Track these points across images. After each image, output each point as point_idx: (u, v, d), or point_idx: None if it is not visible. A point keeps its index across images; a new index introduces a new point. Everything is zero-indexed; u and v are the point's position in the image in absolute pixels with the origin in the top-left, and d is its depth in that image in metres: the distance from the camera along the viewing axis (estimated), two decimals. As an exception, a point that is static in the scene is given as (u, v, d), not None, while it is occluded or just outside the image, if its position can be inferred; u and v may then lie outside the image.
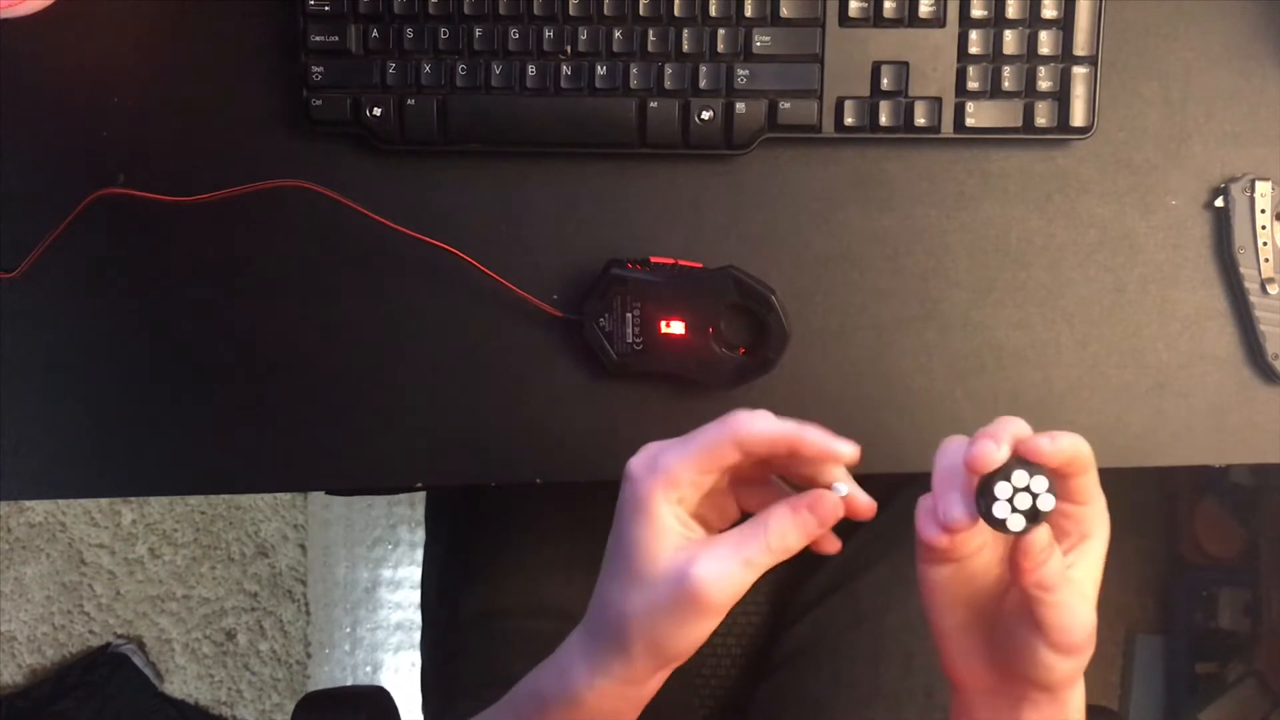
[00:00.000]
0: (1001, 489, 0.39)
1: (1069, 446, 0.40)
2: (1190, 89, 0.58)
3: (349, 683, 1.38)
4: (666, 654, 0.42)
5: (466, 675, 0.71)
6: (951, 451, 0.42)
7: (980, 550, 0.44)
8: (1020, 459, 0.40)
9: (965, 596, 0.45)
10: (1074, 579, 0.42)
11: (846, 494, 0.43)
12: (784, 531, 0.41)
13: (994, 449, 0.39)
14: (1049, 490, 0.39)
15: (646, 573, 0.41)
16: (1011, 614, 0.43)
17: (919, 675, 0.67)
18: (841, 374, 0.59)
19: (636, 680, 0.43)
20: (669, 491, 0.41)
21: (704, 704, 0.75)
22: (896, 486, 0.61)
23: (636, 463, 0.42)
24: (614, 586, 0.42)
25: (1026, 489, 0.39)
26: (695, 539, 0.42)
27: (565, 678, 0.44)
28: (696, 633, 0.41)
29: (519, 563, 0.72)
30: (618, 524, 0.43)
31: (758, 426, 0.41)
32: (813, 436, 0.42)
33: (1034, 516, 0.39)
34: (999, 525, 0.40)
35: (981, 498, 0.40)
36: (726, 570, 0.40)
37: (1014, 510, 0.39)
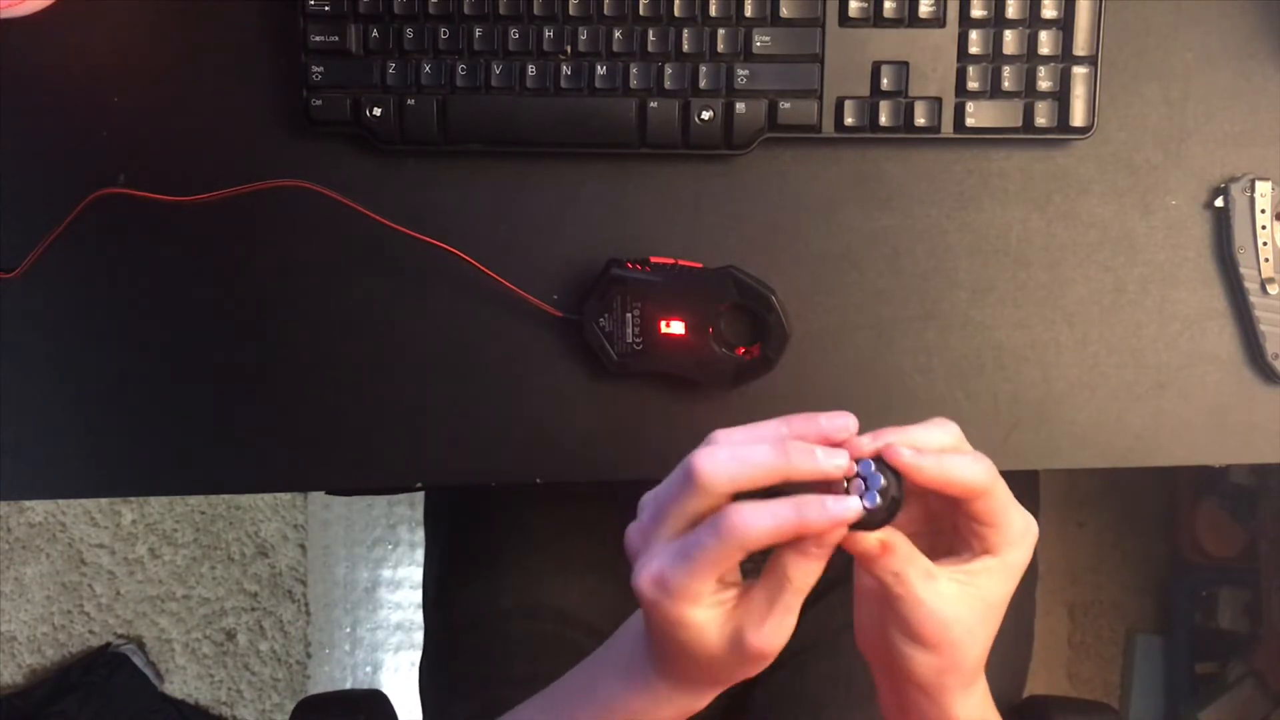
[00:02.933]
0: (853, 485, 0.40)
1: (935, 469, 0.39)
2: (1190, 89, 0.58)
3: (349, 683, 1.38)
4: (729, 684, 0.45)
5: (465, 676, 0.71)
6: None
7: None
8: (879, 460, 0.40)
9: (877, 592, 0.44)
10: (937, 578, 0.41)
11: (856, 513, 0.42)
12: (805, 573, 0.41)
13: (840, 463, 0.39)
14: (892, 493, 0.39)
15: (705, 657, 0.42)
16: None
17: None
18: (841, 374, 0.59)
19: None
20: (696, 605, 0.41)
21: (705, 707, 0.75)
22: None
23: (644, 585, 0.41)
24: (677, 677, 0.45)
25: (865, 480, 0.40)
26: (733, 604, 0.42)
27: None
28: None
29: (517, 563, 0.72)
30: (658, 638, 0.43)
31: (757, 526, 0.39)
32: (814, 516, 0.39)
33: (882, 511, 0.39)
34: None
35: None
36: (777, 626, 0.42)
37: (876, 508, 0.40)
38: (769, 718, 0.71)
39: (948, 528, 0.44)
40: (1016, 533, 0.42)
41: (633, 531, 0.42)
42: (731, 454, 0.39)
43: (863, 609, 0.45)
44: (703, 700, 0.46)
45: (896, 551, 0.40)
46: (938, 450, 0.41)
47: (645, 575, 0.41)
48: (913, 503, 0.44)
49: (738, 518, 0.38)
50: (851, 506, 0.39)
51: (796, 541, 0.40)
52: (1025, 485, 0.77)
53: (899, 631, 0.42)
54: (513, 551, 0.72)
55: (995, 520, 0.42)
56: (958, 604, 0.41)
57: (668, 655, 0.44)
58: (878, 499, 0.39)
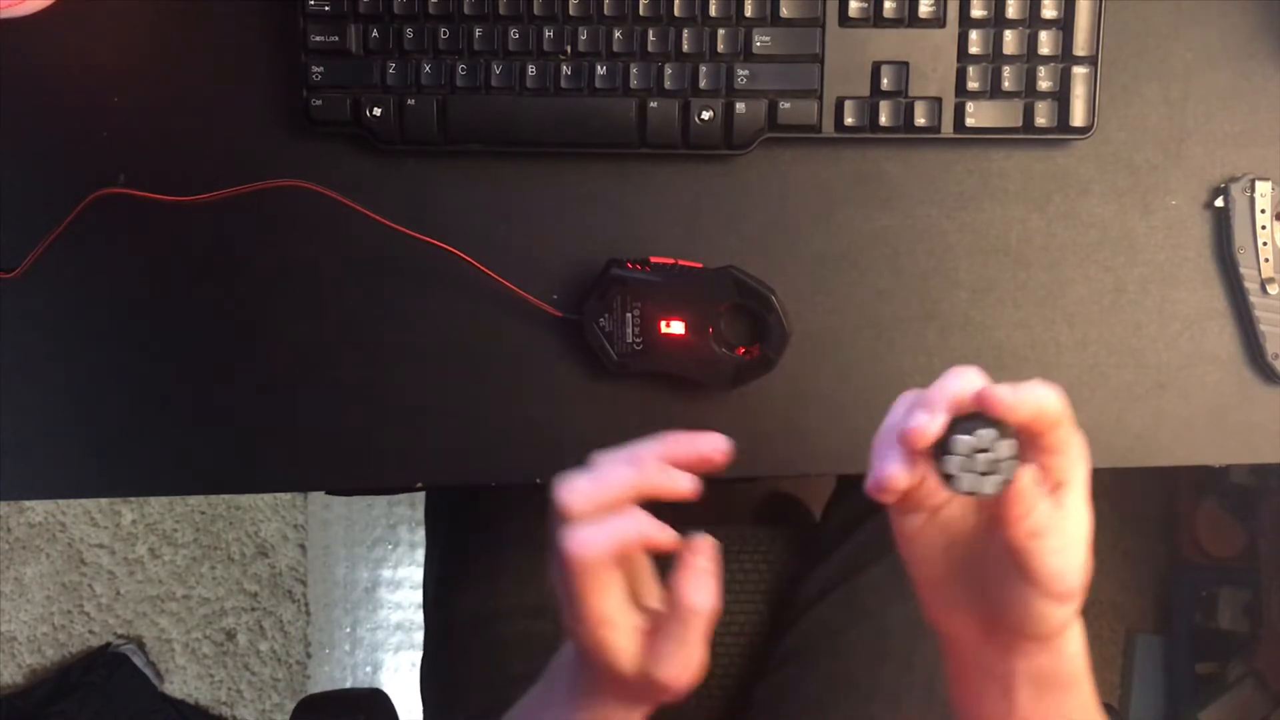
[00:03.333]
0: (954, 453, 0.38)
1: (1032, 402, 0.38)
2: (1190, 89, 0.58)
3: (349, 683, 1.38)
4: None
5: (465, 676, 0.71)
6: (900, 409, 0.42)
7: (951, 500, 0.44)
8: (980, 416, 0.39)
9: (943, 546, 0.44)
10: (1062, 525, 0.40)
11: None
12: (701, 593, 0.41)
13: (928, 424, 0.38)
14: (1011, 453, 0.38)
15: (621, 683, 0.43)
16: (996, 564, 0.43)
17: (919, 672, 0.67)
18: (841, 374, 0.59)
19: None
20: (609, 629, 0.42)
21: (703, 705, 0.75)
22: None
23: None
24: (610, 692, 0.45)
25: (986, 450, 0.38)
26: (647, 631, 0.43)
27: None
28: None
29: (517, 564, 0.72)
30: (581, 657, 0.44)
31: (593, 547, 0.40)
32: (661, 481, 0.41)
33: (995, 473, 0.38)
34: (955, 487, 0.39)
35: (938, 458, 0.39)
36: (684, 660, 0.42)
37: (972, 471, 0.38)
38: (770, 717, 0.71)
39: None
40: (1078, 451, 0.41)
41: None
42: (590, 481, 0.41)
43: (942, 592, 0.45)
44: (639, 714, 0.46)
45: (1032, 493, 0.39)
46: (1021, 384, 0.40)
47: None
48: None
49: (575, 537, 0.41)
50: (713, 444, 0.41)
51: (682, 565, 0.41)
52: None
53: (1038, 593, 0.41)
54: (512, 552, 0.72)
55: (1065, 446, 0.40)
56: (1077, 549, 0.41)
57: (594, 672, 0.44)
58: (990, 459, 0.38)
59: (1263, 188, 0.58)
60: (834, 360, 0.59)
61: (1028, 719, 0.44)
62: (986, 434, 0.38)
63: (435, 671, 0.74)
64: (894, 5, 0.55)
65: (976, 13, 0.55)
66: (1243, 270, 0.58)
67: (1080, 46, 0.56)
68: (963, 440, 0.38)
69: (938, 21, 0.55)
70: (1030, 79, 0.56)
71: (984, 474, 0.39)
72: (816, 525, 0.81)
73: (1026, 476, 0.39)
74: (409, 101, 0.55)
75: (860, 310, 0.59)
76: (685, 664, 0.42)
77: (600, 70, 0.55)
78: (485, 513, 0.73)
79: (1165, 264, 0.59)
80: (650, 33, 0.55)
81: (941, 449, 0.39)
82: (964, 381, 0.40)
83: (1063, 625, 0.43)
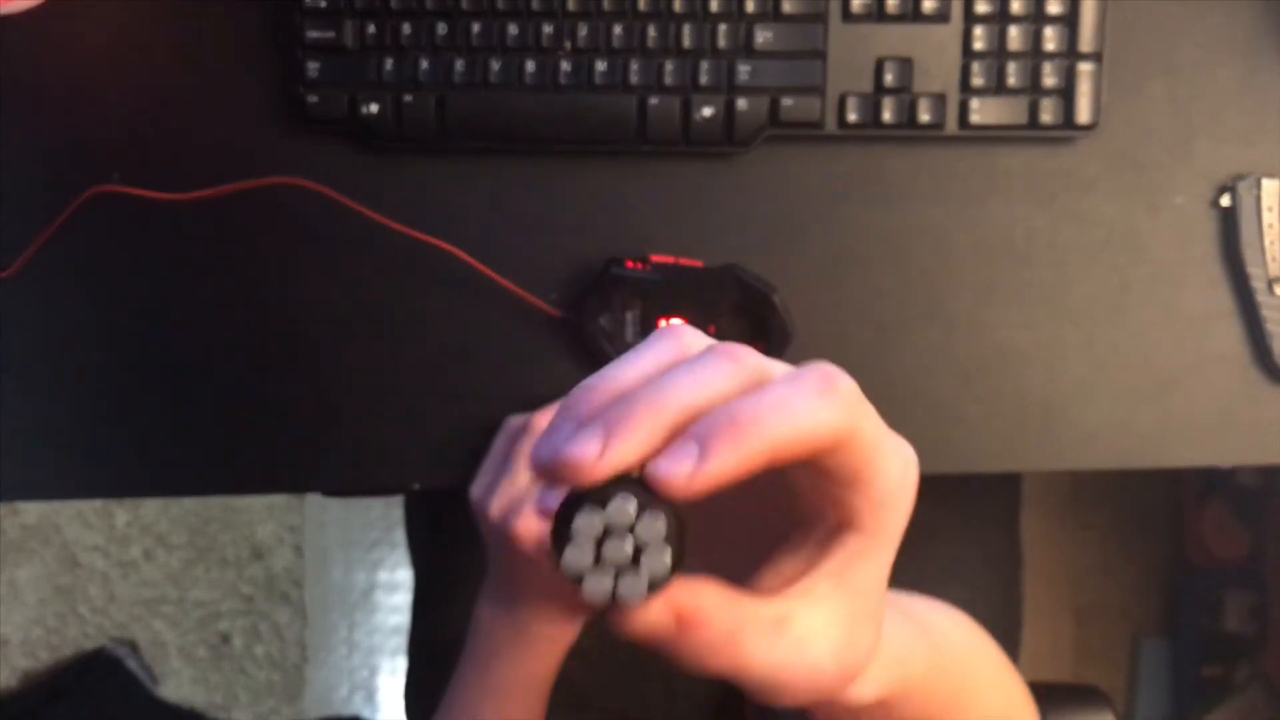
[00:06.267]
0: (573, 540, 0.24)
1: (750, 442, 0.23)
2: (1196, 86, 0.58)
3: (345, 687, 1.37)
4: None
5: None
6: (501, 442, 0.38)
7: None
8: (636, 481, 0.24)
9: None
10: (789, 622, 0.26)
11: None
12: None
13: (590, 462, 0.23)
14: (660, 534, 0.23)
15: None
16: None
17: None
18: (844, 374, 0.58)
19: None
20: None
21: (692, 709, 0.74)
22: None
23: (492, 527, 0.44)
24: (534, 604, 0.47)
25: (619, 533, 0.23)
26: None
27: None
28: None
29: None
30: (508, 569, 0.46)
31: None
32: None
33: (636, 574, 0.24)
34: (583, 593, 0.24)
35: (556, 540, 0.24)
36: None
37: (603, 568, 0.24)
38: (765, 718, 0.70)
39: (777, 495, 0.29)
40: (892, 483, 0.26)
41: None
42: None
43: None
44: (567, 627, 0.47)
45: (708, 619, 0.24)
46: (730, 413, 0.24)
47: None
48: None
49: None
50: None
51: None
52: (1005, 486, 0.76)
53: (762, 701, 0.27)
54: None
55: (861, 474, 0.26)
56: (823, 636, 0.26)
57: (521, 593, 0.44)
58: (628, 549, 0.24)
59: (1269, 186, 0.57)
60: (836, 360, 0.57)
61: None
62: (622, 508, 0.23)
63: (419, 693, 0.73)
64: (897, 0, 0.54)
65: (981, 8, 0.55)
66: (1249, 269, 0.58)
67: (1085, 43, 0.55)
68: (583, 522, 0.24)
69: (942, 17, 0.55)
70: (1035, 75, 0.55)
71: (623, 573, 0.24)
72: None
73: (657, 614, 0.24)
74: (406, 98, 0.55)
75: (863, 309, 0.58)
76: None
77: (600, 66, 0.55)
78: (464, 533, 0.73)
79: (1171, 263, 0.58)
80: (650, 28, 0.54)
81: (560, 529, 0.24)
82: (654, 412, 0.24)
83: (825, 701, 0.29)
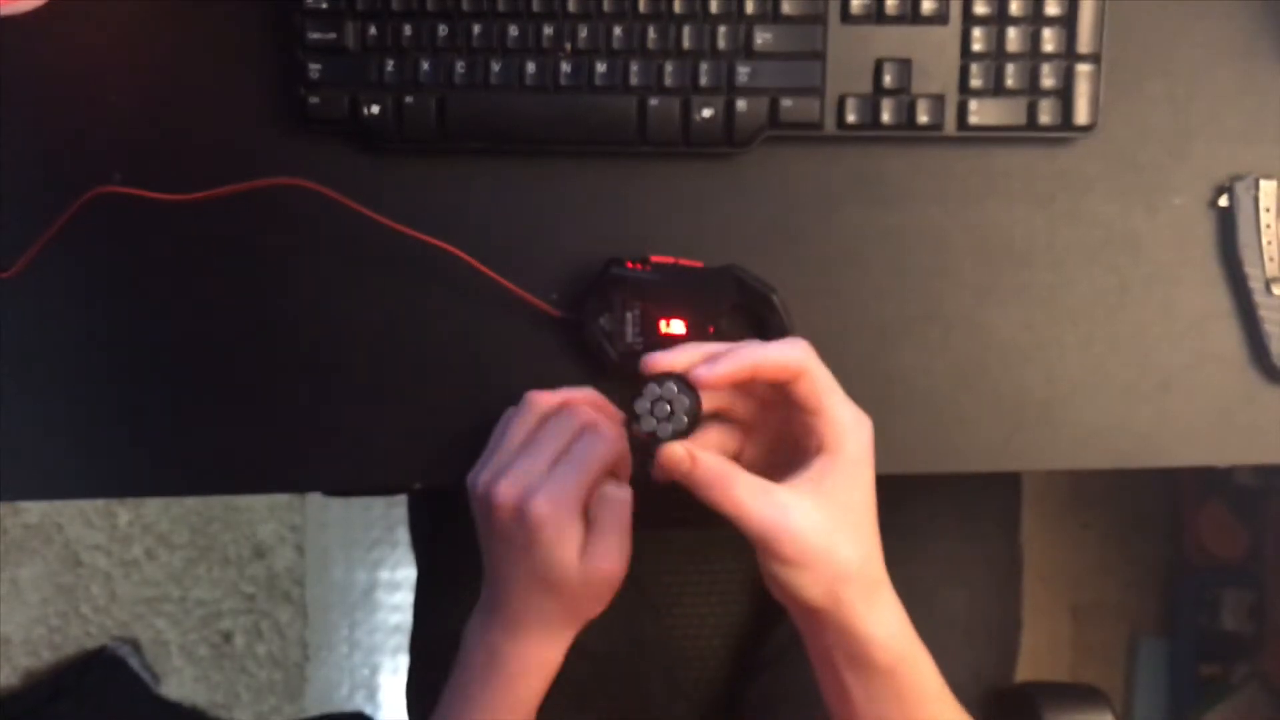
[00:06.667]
0: (642, 397, 0.45)
1: (724, 368, 0.43)
2: (1195, 87, 0.58)
3: (346, 686, 1.38)
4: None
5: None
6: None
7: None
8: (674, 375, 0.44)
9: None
10: (774, 491, 0.41)
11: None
12: (620, 498, 0.46)
13: (659, 361, 0.46)
14: (685, 406, 0.44)
15: (559, 582, 0.47)
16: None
17: None
18: (843, 374, 0.58)
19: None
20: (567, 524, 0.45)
21: (693, 709, 0.74)
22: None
23: (504, 511, 0.47)
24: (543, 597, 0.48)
25: (668, 400, 0.44)
26: (581, 534, 0.47)
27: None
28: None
29: None
30: (521, 570, 0.48)
31: (603, 446, 0.46)
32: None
33: (669, 422, 0.44)
34: (638, 427, 0.45)
35: (632, 405, 0.45)
36: (617, 546, 0.47)
37: (654, 417, 0.45)
38: (763, 718, 0.70)
39: (792, 442, 0.46)
40: (846, 423, 0.44)
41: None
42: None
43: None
44: (561, 638, 0.49)
45: (703, 461, 0.42)
46: (734, 349, 0.43)
47: (503, 500, 0.48)
48: (757, 433, 0.48)
49: (596, 432, 0.48)
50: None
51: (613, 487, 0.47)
52: (1005, 486, 0.76)
53: (767, 558, 0.42)
54: None
55: (819, 405, 0.43)
56: (804, 511, 0.41)
57: (523, 588, 0.48)
58: (668, 408, 0.44)
59: (1267, 186, 0.57)
60: (835, 360, 0.58)
61: (858, 704, 0.45)
62: (669, 387, 0.44)
63: (420, 693, 0.73)
64: (896, 2, 0.55)
65: (979, 9, 0.55)
66: (1247, 270, 0.58)
67: (1084, 44, 0.55)
68: (648, 389, 0.45)
69: (941, 18, 0.55)
70: (1034, 76, 0.55)
71: (661, 420, 0.44)
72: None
73: (678, 449, 0.43)
74: (407, 99, 0.55)
75: (862, 310, 0.58)
76: (620, 551, 0.46)
77: (600, 68, 0.55)
78: (467, 531, 0.73)
79: (1169, 263, 0.58)
80: (650, 30, 0.55)
81: (633, 399, 0.45)
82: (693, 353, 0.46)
83: (826, 592, 0.42)
